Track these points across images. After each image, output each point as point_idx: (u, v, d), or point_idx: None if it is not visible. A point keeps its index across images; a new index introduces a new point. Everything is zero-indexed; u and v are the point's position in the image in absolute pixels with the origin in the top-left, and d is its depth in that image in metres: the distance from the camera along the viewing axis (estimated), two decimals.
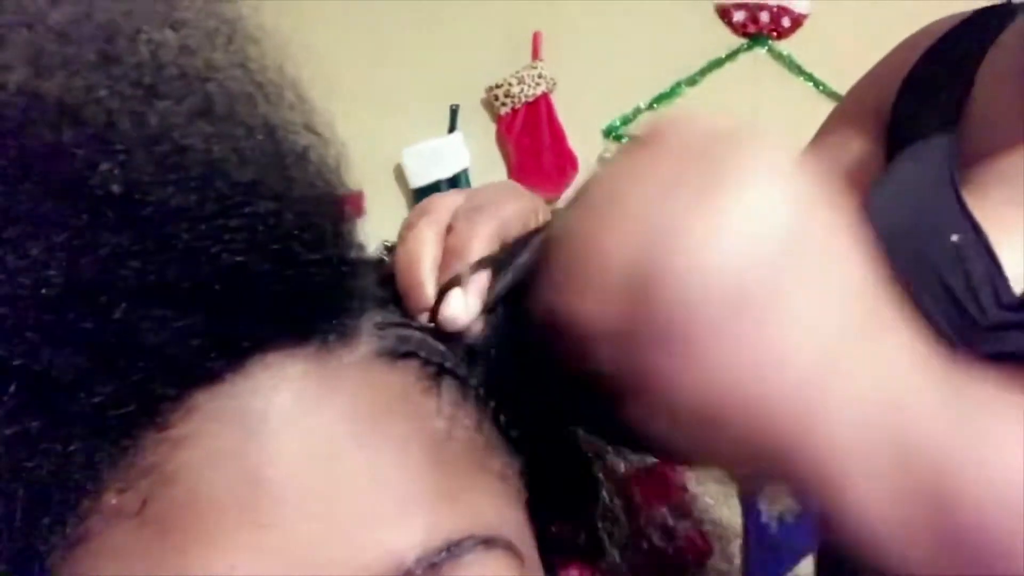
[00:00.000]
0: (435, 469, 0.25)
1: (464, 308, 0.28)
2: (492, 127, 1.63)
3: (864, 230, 0.45)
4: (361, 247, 0.28)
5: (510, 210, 0.30)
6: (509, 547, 0.26)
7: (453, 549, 0.24)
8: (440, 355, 0.28)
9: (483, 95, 1.62)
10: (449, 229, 0.30)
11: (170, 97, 0.23)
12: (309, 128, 0.26)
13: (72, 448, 0.23)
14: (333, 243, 0.26)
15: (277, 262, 0.24)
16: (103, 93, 0.23)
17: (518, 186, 0.33)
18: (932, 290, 0.41)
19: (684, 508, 0.35)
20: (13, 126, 0.22)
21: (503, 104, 1.60)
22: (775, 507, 1.48)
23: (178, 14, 0.25)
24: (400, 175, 1.53)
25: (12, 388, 0.22)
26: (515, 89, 1.59)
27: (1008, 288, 0.39)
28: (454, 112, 1.61)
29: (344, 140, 0.27)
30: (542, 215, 0.31)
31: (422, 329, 0.28)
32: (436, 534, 0.24)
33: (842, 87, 1.54)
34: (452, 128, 1.60)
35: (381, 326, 0.27)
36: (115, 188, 0.22)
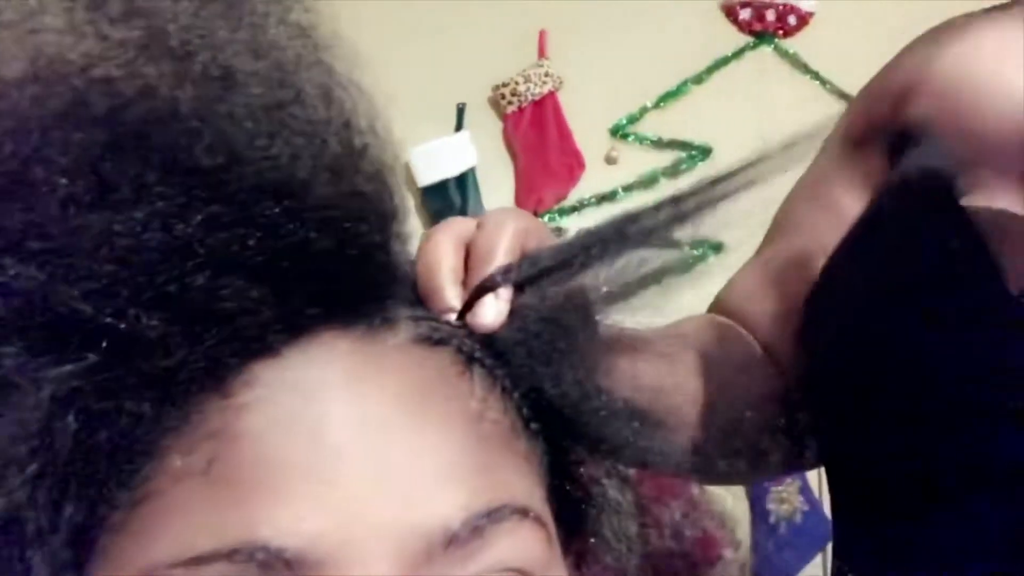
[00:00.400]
0: (473, 443, 0.27)
1: (496, 312, 0.30)
2: (499, 125, 1.63)
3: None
4: (405, 242, 0.31)
5: (524, 224, 0.32)
6: (539, 519, 0.28)
7: (493, 514, 0.26)
8: (469, 346, 0.30)
9: (490, 94, 1.62)
10: (468, 243, 0.32)
11: (264, 85, 0.26)
12: (371, 129, 0.29)
13: (143, 408, 0.25)
14: (388, 233, 0.29)
15: (341, 243, 0.26)
16: (209, 77, 0.25)
17: (522, 211, 0.35)
18: (934, 299, 0.42)
19: (692, 504, 0.36)
20: (128, 102, 0.24)
21: (510, 103, 1.60)
22: (784, 508, 1.48)
23: (265, 18, 0.28)
24: (407, 174, 1.53)
25: (103, 344, 0.24)
26: (521, 88, 1.59)
27: (1010, 296, 0.39)
28: (461, 111, 1.61)
29: (399, 152, 0.30)
30: (547, 233, 0.34)
31: (450, 324, 0.30)
32: (478, 500, 0.26)
33: (848, 85, 1.54)
34: (459, 127, 1.60)
35: (415, 318, 0.29)
36: (215, 161, 0.24)
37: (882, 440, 0.42)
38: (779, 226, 0.58)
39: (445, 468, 0.26)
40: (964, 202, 0.43)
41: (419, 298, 0.31)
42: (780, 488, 1.47)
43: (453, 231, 0.32)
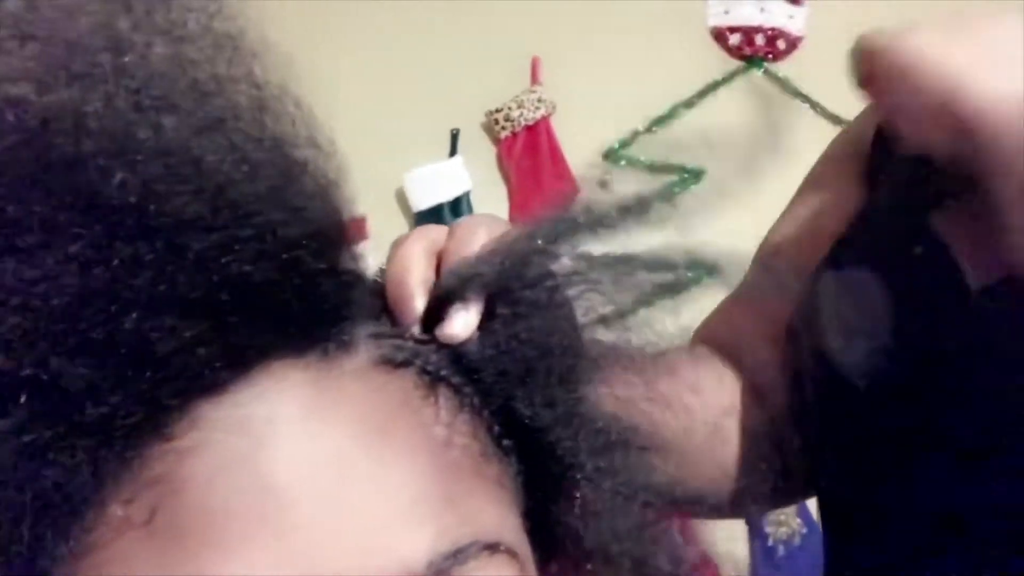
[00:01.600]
0: (439, 475, 0.26)
1: (464, 324, 0.28)
2: (493, 151, 1.64)
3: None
4: (357, 258, 0.29)
5: (498, 229, 0.31)
6: (510, 552, 0.26)
7: (459, 555, 0.24)
8: (435, 364, 0.28)
9: (483, 119, 1.63)
10: (439, 251, 0.30)
11: (183, 110, 0.24)
12: (311, 142, 0.27)
13: (77, 459, 0.23)
14: (335, 254, 0.26)
15: (283, 272, 0.25)
16: (120, 105, 0.23)
17: (496, 216, 0.34)
18: (901, 304, 0.42)
19: (689, 525, 0.35)
20: (29, 136, 0.22)
21: (503, 128, 1.61)
22: (782, 531, 1.47)
23: (183, 29, 0.25)
24: (402, 199, 1.54)
25: (22, 398, 0.22)
26: (515, 113, 1.60)
27: (970, 297, 0.40)
28: (455, 136, 1.62)
29: (346, 164, 0.28)
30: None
31: (414, 340, 0.29)
32: (443, 539, 0.24)
33: (839, 108, 1.56)
34: (453, 152, 1.61)
35: (376, 336, 0.28)
36: (131, 198, 0.22)
37: (863, 468, 0.42)
38: (763, 255, 0.58)
39: (408, 507, 0.25)
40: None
41: (382, 312, 0.29)
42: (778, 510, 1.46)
43: (423, 239, 0.31)
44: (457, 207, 1.55)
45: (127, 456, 0.24)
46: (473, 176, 1.58)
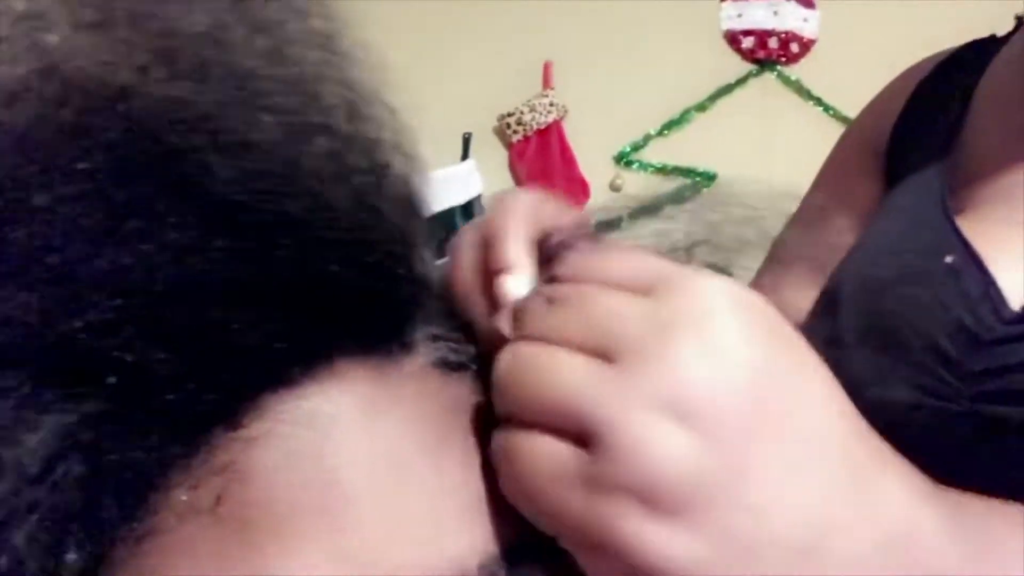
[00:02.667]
0: (493, 478, 0.26)
1: (516, 281, 0.28)
2: (504, 154, 1.65)
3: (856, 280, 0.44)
4: (426, 262, 0.29)
5: (531, 203, 0.30)
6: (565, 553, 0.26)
7: (512, 557, 0.25)
8: (490, 369, 0.28)
9: (495, 123, 1.64)
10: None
11: (284, 109, 0.24)
12: (398, 148, 0.27)
13: (150, 443, 0.23)
14: (411, 257, 0.27)
15: (364, 274, 0.25)
16: (225, 100, 0.23)
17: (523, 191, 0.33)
18: (930, 310, 0.41)
19: None
20: (135, 126, 0.22)
21: (515, 132, 1.61)
22: None
23: (283, 28, 0.26)
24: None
25: (109, 380, 0.23)
26: (527, 117, 1.60)
27: (1005, 303, 0.39)
28: (467, 140, 1.62)
29: (426, 169, 0.29)
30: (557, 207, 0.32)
31: (470, 344, 0.29)
32: (493, 542, 0.25)
33: (852, 111, 1.55)
34: (465, 156, 1.62)
35: (434, 338, 0.28)
36: (231, 193, 0.23)
37: None
38: (776, 252, 0.58)
39: (462, 508, 0.25)
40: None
41: (443, 312, 0.29)
42: None
43: (469, 237, 0.30)
44: (469, 210, 1.56)
45: (196, 442, 0.24)
46: (485, 179, 1.59)
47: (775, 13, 1.69)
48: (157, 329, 0.23)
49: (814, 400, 0.23)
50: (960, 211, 0.44)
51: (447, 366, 0.28)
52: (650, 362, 0.22)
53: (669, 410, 0.22)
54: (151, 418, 0.23)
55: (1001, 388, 0.39)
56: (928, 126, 0.51)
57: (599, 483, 0.22)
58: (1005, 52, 0.49)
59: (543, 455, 0.23)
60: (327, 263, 0.24)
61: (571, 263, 0.27)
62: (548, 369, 0.24)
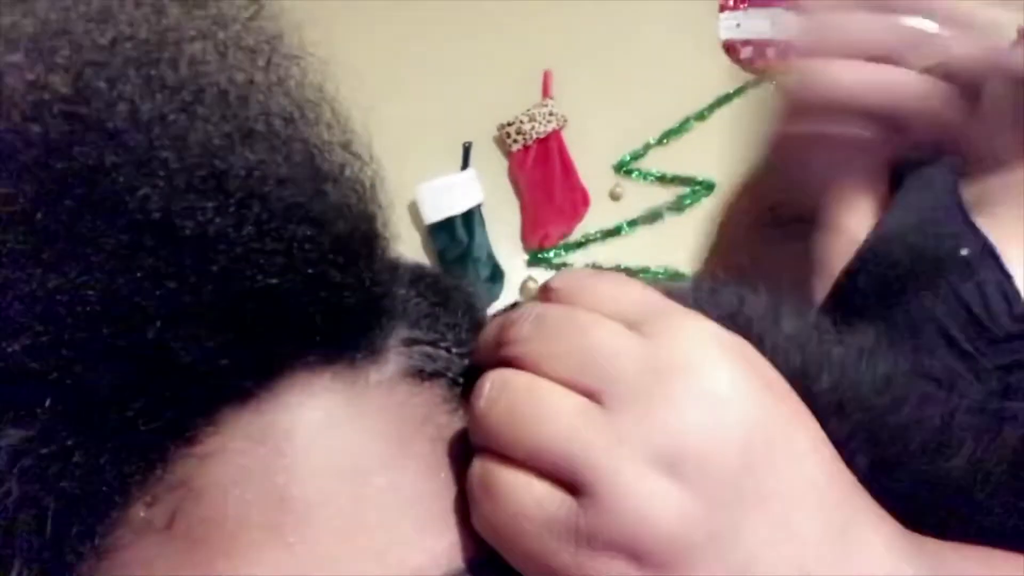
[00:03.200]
0: (458, 488, 0.25)
1: None
2: (504, 163, 1.65)
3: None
4: (391, 265, 0.28)
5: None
6: None
7: (477, 571, 0.24)
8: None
9: (495, 133, 1.64)
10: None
11: (211, 118, 0.23)
12: (346, 148, 0.26)
13: (102, 461, 0.23)
14: (366, 262, 0.26)
15: (310, 283, 0.24)
16: (146, 115, 0.23)
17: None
18: (946, 304, 0.42)
19: None
20: (56, 145, 0.22)
21: (515, 141, 1.62)
22: None
23: (219, 32, 0.25)
24: (414, 211, 1.55)
25: (47, 402, 0.22)
26: (526, 126, 1.61)
27: (1020, 300, 0.39)
28: (467, 149, 1.63)
29: (381, 169, 0.28)
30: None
31: (448, 349, 0.28)
32: (458, 556, 0.24)
33: None
34: (465, 165, 1.62)
35: (408, 343, 0.27)
36: (154, 211, 0.22)
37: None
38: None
39: (424, 522, 0.24)
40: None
41: (427, 313, 0.28)
42: None
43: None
44: (469, 219, 1.56)
45: (151, 459, 0.24)
46: (485, 188, 1.59)
47: (773, 23, 1.70)
48: (94, 351, 0.22)
49: (802, 455, 0.23)
50: (972, 206, 0.44)
51: (419, 376, 0.27)
52: (644, 410, 0.22)
53: (662, 463, 0.22)
54: (99, 437, 0.23)
55: (1014, 384, 0.39)
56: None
57: (589, 537, 0.22)
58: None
59: (530, 500, 0.23)
60: (264, 276, 0.23)
61: (564, 280, 0.26)
62: (538, 407, 0.23)
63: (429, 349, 0.28)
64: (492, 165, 1.64)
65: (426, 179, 1.54)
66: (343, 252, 0.25)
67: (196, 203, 0.23)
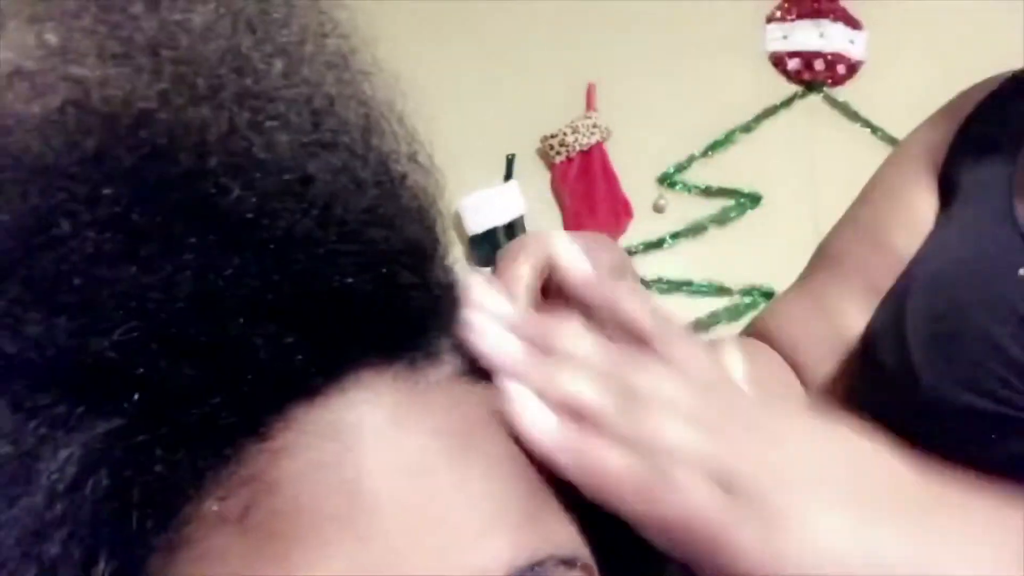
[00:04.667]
0: (518, 489, 0.26)
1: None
2: (547, 175, 1.66)
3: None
4: (449, 270, 0.29)
5: (607, 259, 0.32)
6: (586, 567, 0.26)
7: (537, 568, 0.25)
8: None
9: (538, 144, 1.65)
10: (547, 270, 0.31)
11: (297, 129, 0.25)
12: (412, 158, 0.28)
13: (180, 455, 0.24)
14: (427, 267, 0.27)
15: (379, 285, 0.25)
16: (240, 123, 0.24)
17: (607, 239, 0.34)
18: (1002, 320, 0.41)
19: None
20: (156, 150, 0.23)
21: (558, 153, 1.62)
22: None
23: (300, 49, 0.26)
24: (458, 222, 1.56)
25: (135, 396, 0.23)
26: (570, 138, 1.61)
27: None
28: (510, 161, 1.64)
29: (443, 179, 0.30)
30: (630, 269, 0.32)
31: None
32: (521, 553, 0.25)
33: (900, 132, 1.53)
34: (508, 176, 1.63)
35: (459, 345, 0.28)
36: (245, 213, 0.24)
37: None
38: (825, 256, 0.58)
39: (487, 519, 0.25)
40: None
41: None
42: None
43: (534, 255, 0.31)
44: (511, 230, 1.57)
45: (224, 454, 0.25)
46: (527, 200, 1.59)
47: (821, 35, 1.68)
48: (180, 346, 0.24)
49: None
50: None
51: (472, 375, 0.28)
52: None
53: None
54: (179, 431, 0.24)
55: None
56: (989, 140, 0.51)
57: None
58: None
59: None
60: (340, 276, 0.25)
61: (661, 335, 0.28)
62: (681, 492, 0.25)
63: None
64: (535, 177, 1.64)
65: (469, 190, 1.55)
66: (412, 254, 0.26)
67: (285, 206, 0.24)
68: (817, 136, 1.63)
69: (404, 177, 0.27)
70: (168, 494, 0.24)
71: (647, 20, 1.68)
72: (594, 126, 1.62)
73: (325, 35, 0.27)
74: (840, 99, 1.65)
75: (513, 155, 1.64)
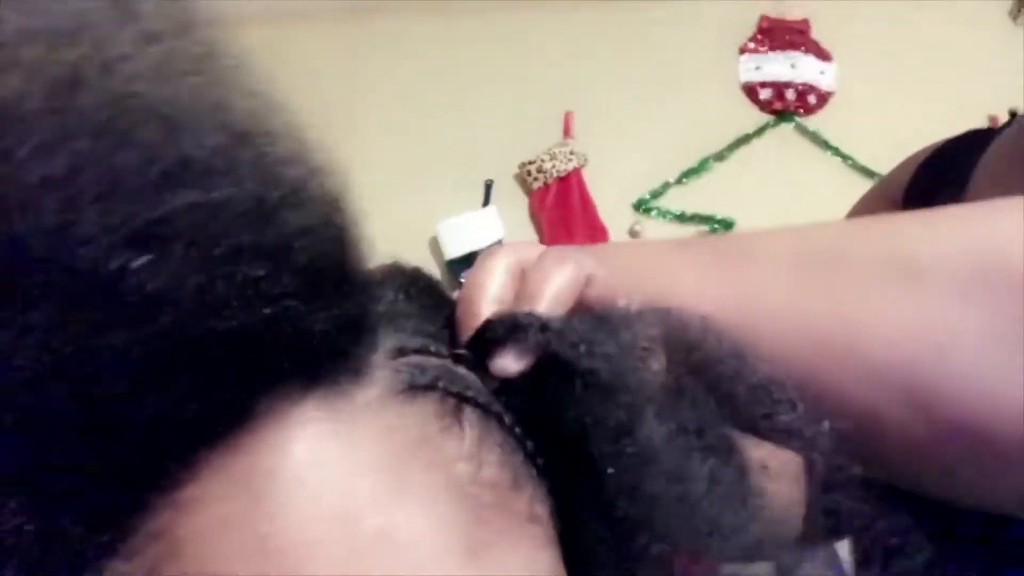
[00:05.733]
0: (461, 523, 0.23)
1: (517, 363, 0.27)
2: (525, 201, 1.67)
3: None
4: (367, 275, 0.25)
5: (585, 272, 0.29)
6: None
7: None
8: (461, 383, 0.26)
9: (516, 171, 1.67)
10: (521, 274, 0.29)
11: (145, 161, 0.20)
12: (301, 161, 0.23)
13: (76, 532, 0.21)
14: (334, 286, 0.23)
15: (271, 320, 0.22)
16: (60, 164, 0.19)
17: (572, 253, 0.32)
18: None
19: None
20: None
21: (536, 179, 1.64)
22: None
23: (147, 50, 0.21)
24: (436, 247, 1.56)
25: (11, 475, 0.20)
26: (547, 165, 1.63)
27: None
28: (488, 187, 1.65)
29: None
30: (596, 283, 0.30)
31: (440, 354, 0.26)
32: None
33: (869, 160, 1.57)
34: (486, 202, 1.64)
35: (395, 353, 0.25)
36: (85, 276, 0.20)
37: None
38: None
39: (422, 563, 0.22)
40: None
41: (419, 313, 0.27)
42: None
43: (510, 256, 0.29)
44: None
45: (123, 512, 0.22)
46: (506, 225, 1.60)
47: (792, 66, 1.72)
48: (42, 418, 0.20)
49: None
50: None
51: (409, 391, 0.25)
52: None
53: None
54: (59, 504, 0.21)
55: None
56: (934, 196, 0.54)
57: None
58: (998, 144, 0.52)
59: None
60: (220, 321, 0.21)
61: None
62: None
63: (418, 359, 0.26)
64: (513, 202, 1.66)
65: (448, 215, 1.56)
66: (306, 282, 0.22)
67: (129, 260, 0.20)
68: (789, 164, 1.66)
69: (297, 189, 0.22)
70: (71, 560, 0.21)
71: (623, 50, 1.71)
72: (571, 153, 1.64)
73: (181, 34, 0.22)
74: (811, 128, 1.69)
75: (491, 181, 1.65)
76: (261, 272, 0.21)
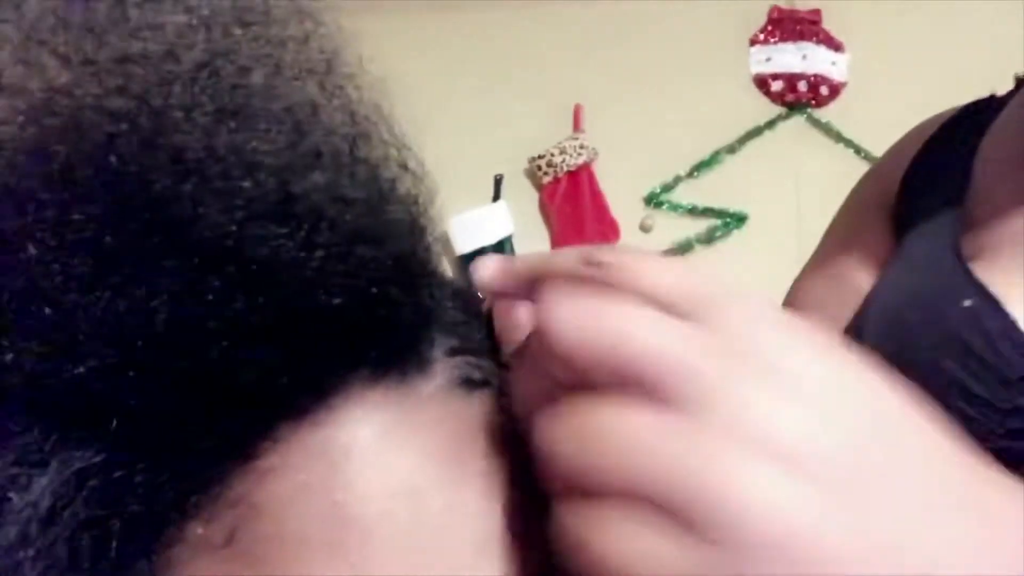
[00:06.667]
0: (516, 505, 0.25)
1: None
2: (535, 195, 1.67)
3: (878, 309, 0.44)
4: (440, 276, 0.28)
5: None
6: None
7: None
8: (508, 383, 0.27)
9: (526, 165, 1.66)
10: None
11: (279, 145, 0.24)
12: (403, 166, 0.26)
13: (163, 481, 0.23)
14: (421, 278, 0.26)
15: (370, 304, 0.24)
16: (217, 143, 0.23)
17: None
18: (954, 353, 0.42)
19: None
20: (129, 172, 0.22)
21: (546, 173, 1.64)
22: None
23: (280, 51, 0.25)
24: (446, 242, 1.57)
25: (112, 425, 0.23)
26: (557, 159, 1.63)
27: None
28: (498, 182, 1.65)
29: (436, 184, 0.27)
30: None
31: (488, 359, 0.28)
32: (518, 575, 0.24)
33: (882, 151, 1.55)
34: (496, 197, 1.64)
35: (452, 352, 0.27)
36: (224, 238, 0.22)
37: None
38: (795, 303, 0.59)
39: (480, 542, 0.24)
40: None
41: (464, 320, 0.28)
42: None
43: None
44: (500, 250, 1.58)
45: (209, 477, 0.24)
46: (516, 220, 1.61)
47: (804, 57, 1.71)
48: (158, 373, 0.23)
49: (915, 433, 0.22)
50: (971, 258, 0.45)
51: (467, 384, 0.27)
52: (732, 410, 0.20)
53: (773, 459, 0.19)
54: (160, 457, 0.23)
55: None
56: (936, 178, 0.53)
57: (720, 569, 0.19)
58: (1006, 112, 0.51)
59: (639, 544, 0.20)
60: (327, 297, 0.23)
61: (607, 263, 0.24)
62: (614, 434, 0.20)
63: (472, 358, 0.28)
64: (523, 197, 1.66)
65: (458, 211, 1.56)
66: (403, 270, 0.25)
67: (268, 230, 0.23)
68: (801, 156, 1.65)
69: (393, 188, 0.26)
70: (149, 520, 0.23)
71: (633, 43, 1.70)
72: (581, 147, 1.64)
73: (307, 38, 0.26)
74: (823, 120, 1.68)
75: (501, 176, 1.65)
76: (372, 253, 0.24)
